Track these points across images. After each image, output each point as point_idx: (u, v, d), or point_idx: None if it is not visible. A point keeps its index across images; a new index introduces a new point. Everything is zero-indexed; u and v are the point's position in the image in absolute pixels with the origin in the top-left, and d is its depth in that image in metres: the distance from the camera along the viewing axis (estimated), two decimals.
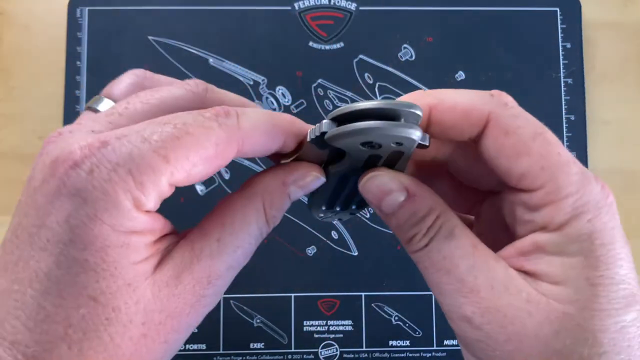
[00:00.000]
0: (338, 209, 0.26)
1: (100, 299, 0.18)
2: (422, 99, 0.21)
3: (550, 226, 0.20)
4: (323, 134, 0.20)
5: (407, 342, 0.41)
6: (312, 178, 0.23)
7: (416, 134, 0.19)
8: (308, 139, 0.21)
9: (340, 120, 0.20)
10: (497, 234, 0.24)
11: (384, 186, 0.22)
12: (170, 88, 0.22)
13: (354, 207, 0.27)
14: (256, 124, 0.20)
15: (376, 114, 0.19)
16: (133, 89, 0.22)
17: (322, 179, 0.23)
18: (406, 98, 0.22)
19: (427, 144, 0.21)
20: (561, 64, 0.43)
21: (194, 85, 0.22)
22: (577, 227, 0.20)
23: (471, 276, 0.20)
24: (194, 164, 0.19)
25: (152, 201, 0.19)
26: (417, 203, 0.21)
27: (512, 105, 0.21)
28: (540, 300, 0.19)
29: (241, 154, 0.21)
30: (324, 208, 0.26)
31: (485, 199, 0.26)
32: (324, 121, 0.20)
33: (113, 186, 0.18)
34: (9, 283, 0.18)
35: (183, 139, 0.18)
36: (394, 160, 0.22)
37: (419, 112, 0.19)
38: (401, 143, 0.20)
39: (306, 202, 0.27)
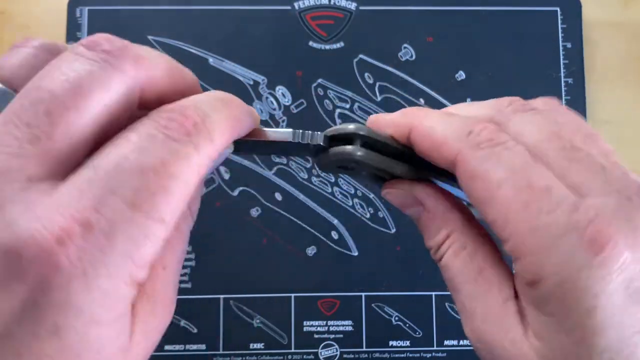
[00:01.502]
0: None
1: None
2: (401, 119, 0.21)
3: (525, 278, 0.18)
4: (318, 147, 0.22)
5: (408, 343, 0.40)
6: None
7: (356, 154, 0.21)
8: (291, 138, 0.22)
9: (331, 138, 0.22)
10: None
11: (402, 200, 0.22)
12: (92, 75, 0.16)
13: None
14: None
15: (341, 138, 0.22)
16: (32, 70, 0.17)
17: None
18: (394, 115, 0.22)
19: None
20: (561, 63, 0.43)
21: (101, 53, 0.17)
22: (546, 289, 0.17)
23: (470, 303, 0.20)
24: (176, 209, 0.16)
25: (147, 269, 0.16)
26: (429, 220, 0.21)
27: (494, 141, 0.19)
28: (522, 348, 0.18)
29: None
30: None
31: None
32: (319, 135, 0.22)
33: (115, 284, 0.14)
34: None
35: (163, 187, 0.15)
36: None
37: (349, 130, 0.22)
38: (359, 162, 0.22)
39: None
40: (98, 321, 0.14)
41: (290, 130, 0.22)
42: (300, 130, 0.22)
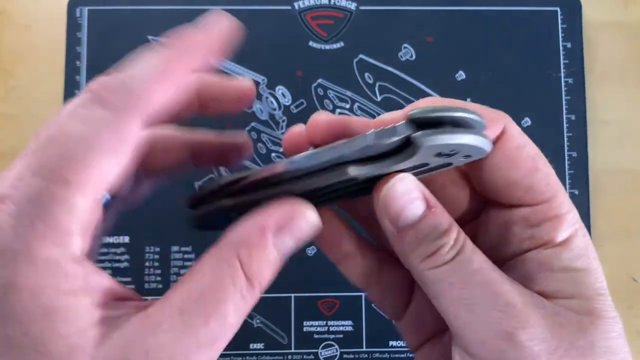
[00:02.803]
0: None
1: None
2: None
3: (553, 242, 0.20)
4: (407, 139, 0.18)
5: None
6: (304, 222, 0.19)
7: (489, 147, 0.19)
8: (372, 141, 0.18)
9: (419, 123, 0.18)
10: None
11: (409, 194, 0.19)
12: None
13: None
14: (145, 76, 0.18)
15: (457, 122, 0.18)
16: None
17: (318, 224, 0.19)
18: (428, 102, 0.20)
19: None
20: (562, 63, 0.43)
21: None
22: (578, 243, 0.20)
23: (505, 289, 0.19)
24: (101, 173, 0.16)
25: (77, 242, 0.16)
26: (438, 215, 0.20)
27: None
28: (567, 314, 0.19)
29: (156, 121, 0.18)
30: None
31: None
32: (401, 124, 0.18)
33: (23, 241, 0.15)
34: None
35: (74, 150, 0.16)
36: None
37: (484, 123, 0.19)
38: (470, 155, 0.19)
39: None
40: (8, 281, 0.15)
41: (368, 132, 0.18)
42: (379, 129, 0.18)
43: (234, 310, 0.17)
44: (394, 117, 0.20)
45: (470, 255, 0.19)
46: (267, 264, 0.18)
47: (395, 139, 0.17)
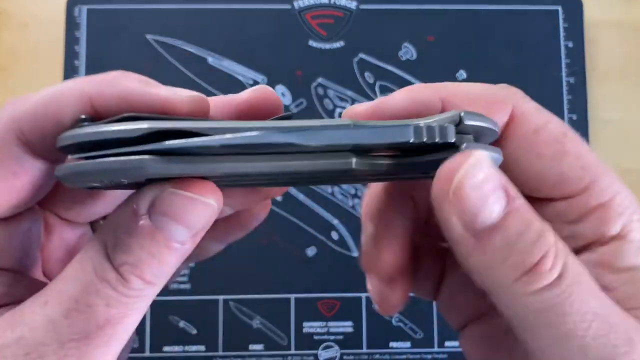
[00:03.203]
0: None
1: None
2: (427, 90, 0.18)
3: (607, 236, 0.16)
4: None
5: (408, 344, 0.40)
6: (200, 207, 0.15)
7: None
8: (413, 138, 0.15)
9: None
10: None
11: (490, 181, 0.14)
12: None
13: None
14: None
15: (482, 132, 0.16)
16: None
17: (217, 207, 0.16)
18: (414, 89, 0.18)
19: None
20: (563, 63, 0.43)
21: None
22: (636, 233, 0.16)
23: (621, 318, 0.15)
24: None
25: None
26: (524, 212, 0.15)
27: (529, 98, 0.18)
28: None
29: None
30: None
31: None
32: (451, 128, 0.15)
33: None
34: None
35: None
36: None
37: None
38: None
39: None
40: None
41: (402, 123, 0.15)
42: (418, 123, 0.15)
43: (105, 303, 0.15)
44: (420, 89, 0.18)
45: (581, 270, 0.15)
46: (144, 253, 0.15)
47: (440, 142, 0.15)
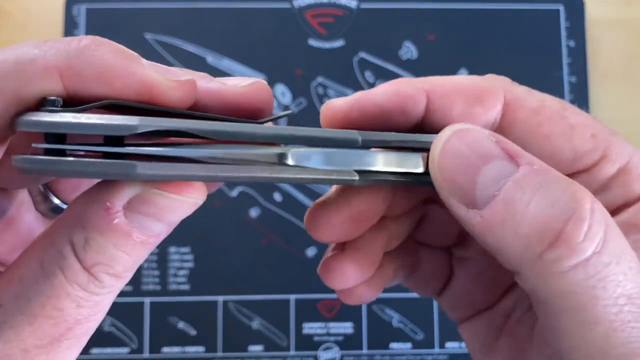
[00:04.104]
0: None
1: None
2: (411, 84, 0.17)
3: (632, 197, 0.16)
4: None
5: (409, 345, 0.40)
6: (178, 203, 0.14)
7: None
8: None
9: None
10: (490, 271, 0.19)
11: (480, 147, 0.14)
12: None
13: None
14: None
15: None
16: None
17: (198, 202, 0.15)
18: (397, 83, 0.18)
19: None
20: (564, 62, 0.43)
21: None
22: None
23: None
24: None
25: None
26: (542, 172, 0.14)
27: (517, 83, 0.17)
28: None
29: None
30: None
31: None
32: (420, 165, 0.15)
33: None
34: None
35: None
36: None
37: None
38: None
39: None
40: None
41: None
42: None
43: (75, 305, 0.14)
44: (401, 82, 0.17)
45: (622, 243, 0.13)
46: (118, 252, 0.14)
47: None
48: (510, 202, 0.13)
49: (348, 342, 0.40)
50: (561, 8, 0.43)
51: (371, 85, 0.42)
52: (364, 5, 0.43)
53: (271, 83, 0.42)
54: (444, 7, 0.43)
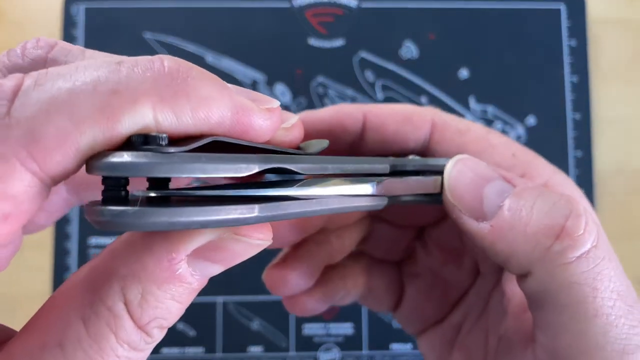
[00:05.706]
0: None
1: None
2: (351, 106, 0.20)
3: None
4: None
5: (409, 345, 0.40)
6: (245, 246, 0.13)
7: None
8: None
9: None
10: (439, 280, 0.22)
11: (481, 172, 0.16)
12: None
13: None
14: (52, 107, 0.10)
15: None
16: None
17: (265, 244, 0.14)
18: (340, 106, 0.21)
19: None
20: (566, 61, 0.43)
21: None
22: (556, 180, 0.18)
23: (633, 300, 0.15)
24: None
25: None
26: (539, 186, 0.16)
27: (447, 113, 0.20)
28: None
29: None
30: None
31: (422, 236, 0.23)
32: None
33: None
34: None
35: None
36: None
37: None
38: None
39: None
40: None
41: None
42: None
43: None
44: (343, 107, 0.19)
45: (609, 245, 0.15)
46: (175, 303, 0.13)
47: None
48: (515, 209, 0.15)
49: (348, 343, 0.40)
50: (562, 7, 0.43)
51: (371, 85, 0.42)
52: (365, 5, 0.43)
53: (271, 82, 0.42)
54: (444, 6, 0.43)
